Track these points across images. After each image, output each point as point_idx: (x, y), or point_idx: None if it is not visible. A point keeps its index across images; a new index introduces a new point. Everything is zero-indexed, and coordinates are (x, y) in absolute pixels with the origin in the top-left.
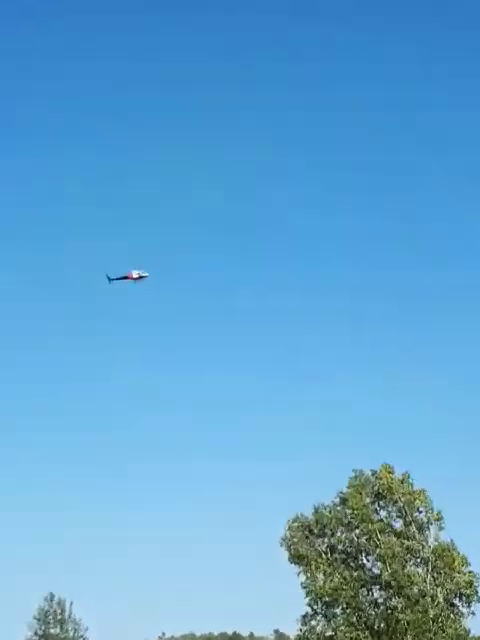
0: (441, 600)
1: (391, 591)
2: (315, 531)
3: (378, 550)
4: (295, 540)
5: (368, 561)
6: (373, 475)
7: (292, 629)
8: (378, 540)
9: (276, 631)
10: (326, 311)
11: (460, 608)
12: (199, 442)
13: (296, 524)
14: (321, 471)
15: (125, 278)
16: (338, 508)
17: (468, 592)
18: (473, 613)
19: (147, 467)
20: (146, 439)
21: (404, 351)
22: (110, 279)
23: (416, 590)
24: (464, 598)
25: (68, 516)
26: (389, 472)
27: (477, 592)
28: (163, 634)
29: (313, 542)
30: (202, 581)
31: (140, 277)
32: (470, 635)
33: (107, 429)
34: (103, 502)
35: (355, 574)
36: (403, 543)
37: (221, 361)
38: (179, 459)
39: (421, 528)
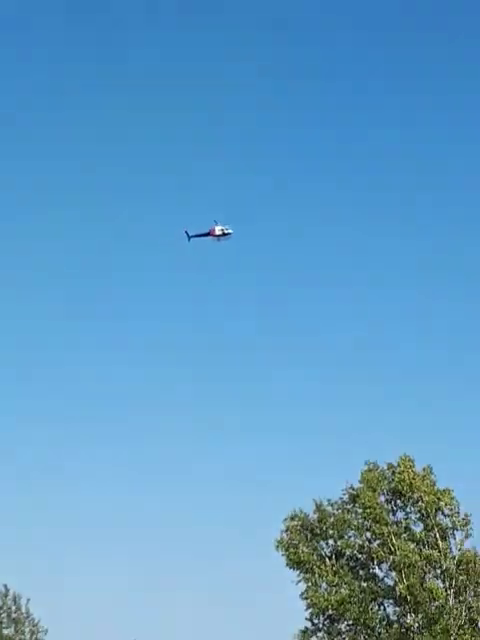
0: (464, 620)
1: (407, 607)
2: (318, 532)
3: (393, 558)
4: (294, 542)
5: (381, 570)
6: (389, 469)
7: None
8: (393, 546)
9: None
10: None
11: None
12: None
13: (295, 523)
14: (324, 459)
15: (207, 235)
16: (347, 506)
17: None
18: None
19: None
20: None
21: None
22: (189, 236)
23: (435, 607)
24: None
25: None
26: (410, 466)
27: None
28: None
29: (315, 545)
30: (182, 582)
31: (223, 234)
32: None
33: None
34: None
35: (365, 585)
36: (422, 551)
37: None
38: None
39: (445, 534)
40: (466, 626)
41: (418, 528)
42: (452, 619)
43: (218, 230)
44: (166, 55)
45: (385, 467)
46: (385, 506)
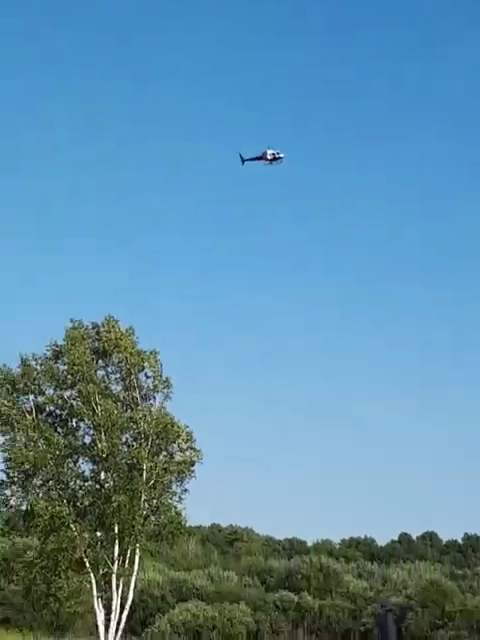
0: (155, 479)
1: (102, 465)
2: (20, 387)
3: (95, 416)
4: None
5: (79, 428)
6: (93, 328)
7: None
8: (96, 404)
9: None
10: None
11: (175, 489)
12: None
13: None
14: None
15: (259, 159)
16: (51, 362)
17: (183, 468)
18: (186, 490)
19: None
20: None
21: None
22: (243, 160)
23: (130, 466)
24: (175, 474)
25: None
26: (113, 326)
27: (193, 471)
28: None
29: (16, 400)
30: None
31: (275, 158)
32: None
33: None
34: None
35: (63, 441)
36: (123, 410)
37: None
38: None
39: (145, 395)
40: (156, 485)
41: (119, 387)
42: (144, 478)
43: (270, 154)
44: None
45: (90, 326)
46: (91, 364)
